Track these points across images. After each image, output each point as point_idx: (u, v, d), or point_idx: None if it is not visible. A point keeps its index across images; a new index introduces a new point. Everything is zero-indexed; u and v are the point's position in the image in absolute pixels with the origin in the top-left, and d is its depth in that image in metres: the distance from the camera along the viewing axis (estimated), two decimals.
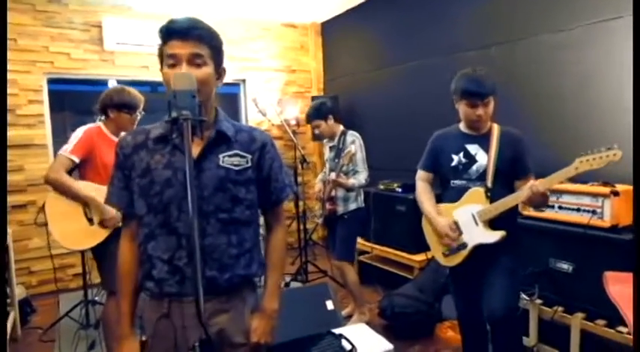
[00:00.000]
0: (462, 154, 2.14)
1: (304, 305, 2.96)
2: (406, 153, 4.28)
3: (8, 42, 4.03)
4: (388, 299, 3.18)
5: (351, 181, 3.13)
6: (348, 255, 3.30)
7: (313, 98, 5.15)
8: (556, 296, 2.54)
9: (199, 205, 1.24)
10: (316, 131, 3.36)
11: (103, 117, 2.57)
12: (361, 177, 3.16)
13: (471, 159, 2.12)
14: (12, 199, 4.03)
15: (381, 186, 4.03)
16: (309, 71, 5.66)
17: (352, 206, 3.24)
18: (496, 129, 2.13)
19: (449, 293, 2.69)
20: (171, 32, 1.20)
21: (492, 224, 2.07)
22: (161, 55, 1.23)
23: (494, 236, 2.05)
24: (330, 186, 3.20)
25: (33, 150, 4.21)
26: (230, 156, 1.30)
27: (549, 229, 2.59)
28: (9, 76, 4.05)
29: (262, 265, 1.39)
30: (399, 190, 3.83)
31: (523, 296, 2.57)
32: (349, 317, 3.40)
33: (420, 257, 3.53)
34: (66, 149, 2.38)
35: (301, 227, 4.61)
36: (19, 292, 3.57)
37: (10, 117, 4.07)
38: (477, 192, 2.08)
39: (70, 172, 2.42)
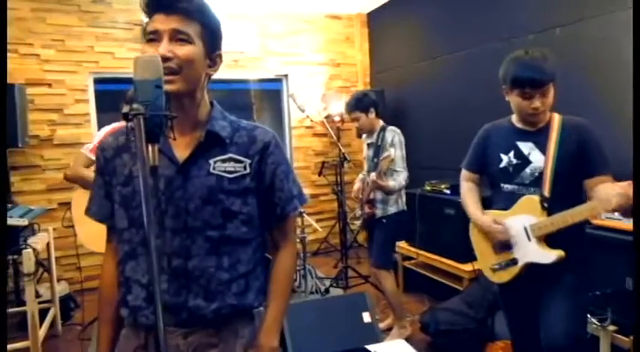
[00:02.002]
0: (512, 154, 1.79)
1: (338, 316, 2.73)
2: (456, 152, 3.89)
3: (55, 43, 4.13)
4: (432, 314, 2.87)
5: (391, 183, 2.84)
6: (385, 262, 3.03)
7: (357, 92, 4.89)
8: (633, 321, 2.12)
9: (184, 220, 1.04)
10: (355, 124, 3.10)
11: None
12: (400, 178, 2.87)
13: (524, 160, 1.77)
14: (59, 196, 4.13)
15: (428, 187, 3.69)
16: (354, 64, 5.40)
17: (392, 209, 2.96)
18: (557, 121, 1.75)
19: None
20: (154, 4, 1.01)
21: (550, 239, 1.71)
22: (144, 33, 1.04)
23: (549, 256, 1.70)
24: (369, 187, 2.93)
25: (79, 149, 4.28)
26: (223, 161, 1.08)
27: (626, 242, 2.17)
28: (58, 76, 4.17)
29: (262, 293, 1.16)
30: (448, 192, 3.49)
31: (592, 320, 2.17)
32: (390, 329, 3.12)
33: (470, 267, 3.17)
34: (87, 147, 2.33)
35: (341, 228, 4.37)
36: (61, 288, 3.63)
37: (58, 117, 4.19)
38: (530, 200, 1.73)
39: None
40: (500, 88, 1.82)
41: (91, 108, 4.36)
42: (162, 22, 1.00)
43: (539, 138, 1.75)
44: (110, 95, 4.66)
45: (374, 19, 5.29)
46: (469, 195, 1.98)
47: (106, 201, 1.13)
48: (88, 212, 1.17)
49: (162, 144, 1.01)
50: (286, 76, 5.14)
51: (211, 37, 1.07)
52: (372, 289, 3.64)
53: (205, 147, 1.07)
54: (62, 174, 4.08)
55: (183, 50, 1.00)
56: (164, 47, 0.98)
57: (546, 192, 1.70)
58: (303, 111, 4.45)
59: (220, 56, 1.12)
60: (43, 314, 3.10)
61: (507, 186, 1.82)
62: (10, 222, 2.59)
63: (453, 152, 4.03)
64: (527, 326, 1.89)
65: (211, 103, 1.15)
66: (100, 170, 1.14)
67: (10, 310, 3.48)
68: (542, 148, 1.73)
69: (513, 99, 1.76)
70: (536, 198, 1.72)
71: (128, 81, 0.87)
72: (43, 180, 4.15)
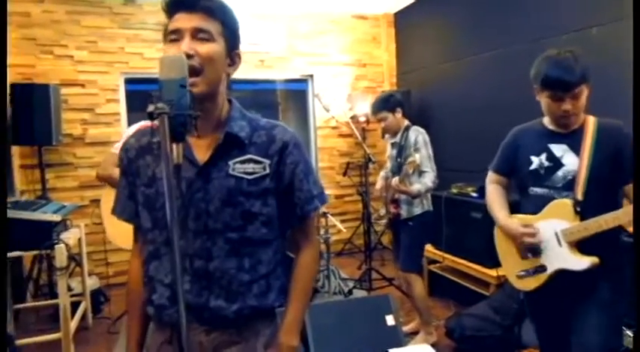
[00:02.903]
0: (543, 156, 1.73)
1: (361, 318, 2.69)
2: (483, 154, 3.79)
3: (88, 45, 4.25)
4: (457, 320, 2.81)
5: (416, 187, 2.78)
6: (413, 265, 2.98)
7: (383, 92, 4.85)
8: None
9: (204, 222, 1.05)
10: (382, 124, 3.05)
11: None
12: (427, 180, 2.81)
13: (556, 163, 1.71)
14: (91, 193, 4.24)
15: (454, 190, 3.63)
16: (380, 65, 5.36)
17: (417, 210, 2.91)
18: (592, 123, 1.68)
19: None
20: (176, 4, 1.02)
21: (582, 245, 1.65)
22: (166, 33, 1.05)
23: (582, 262, 1.63)
24: (392, 190, 2.89)
25: (110, 147, 4.39)
26: (242, 162, 1.08)
27: None
28: (90, 77, 4.28)
29: (283, 293, 1.16)
30: (475, 195, 3.42)
31: (627, 332, 2.08)
32: (414, 333, 3.08)
33: (498, 272, 3.10)
34: (116, 146, 2.38)
35: (365, 229, 4.34)
36: (92, 283, 3.73)
37: (89, 116, 4.31)
38: (562, 204, 1.67)
39: None
40: (529, 89, 1.77)
41: (122, 107, 4.47)
42: (184, 21, 1.01)
43: (573, 141, 1.69)
44: (140, 95, 4.77)
45: (401, 19, 5.23)
46: (495, 197, 1.92)
47: (129, 202, 1.15)
48: (114, 212, 1.19)
49: (183, 146, 1.02)
50: (312, 76, 5.14)
51: (231, 36, 1.08)
52: (396, 292, 3.60)
53: (224, 148, 1.07)
54: (93, 171, 4.21)
55: (205, 48, 1.01)
56: (186, 45, 0.99)
57: (579, 196, 1.64)
58: (328, 111, 4.43)
59: (239, 55, 1.12)
60: (74, 307, 3.19)
61: (537, 190, 1.76)
62: (44, 217, 2.67)
63: (479, 154, 3.94)
64: (557, 335, 1.82)
65: (230, 101, 1.15)
66: (124, 170, 1.16)
67: (44, 302, 3.61)
68: (576, 151, 1.67)
69: (544, 100, 1.71)
70: (568, 202, 1.66)
71: (157, 81, 0.88)
72: (75, 177, 4.27)
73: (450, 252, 3.57)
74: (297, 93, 5.45)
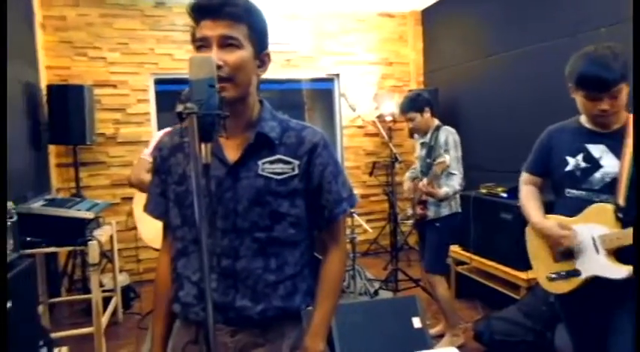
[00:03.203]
0: (580, 157, 1.67)
1: (388, 319, 2.68)
2: (514, 153, 3.72)
3: (120, 46, 4.36)
4: (486, 323, 2.75)
5: (444, 190, 2.73)
6: (438, 267, 2.93)
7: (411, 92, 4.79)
8: None
9: (233, 221, 1.05)
10: (410, 124, 3.01)
11: None
12: (455, 182, 2.75)
13: (594, 164, 1.64)
14: (122, 191, 4.35)
15: (483, 190, 3.55)
16: (407, 63, 5.30)
17: (445, 211, 2.86)
18: (634, 123, 1.61)
19: None
20: (201, 11, 1.02)
21: (620, 253, 1.57)
22: (193, 38, 1.05)
23: (620, 271, 1.56)
24: (420, 191, 2.85)
25: (140, 147, 4.51)
26: (271, 162, 1.08)
27: None
28: (122, 77, 4.40)
29: (309, 295, 1.15)
30: (505, 195, 3.33)
31: None
32: (441, 336, 3.03)
33: (528, 275, 3.01)
34: (145, 153, 2.41)
35: (391, 229, 4.30)
36: (122, 279, 3.82)
37: (121, 116, 4.42)
38: (602, 209, 1.59)
39: None
40: (562, 86, 1.70)
41: (152, 107, 4.56)
42: (210, 29, 1.00)
43: (613, 141, 1.61)
44: (169, 95, 4.86)
45: (428, 16, 5.16)
46: (530, 198, 1.86)
47: (161, 199, 1.16)
48: (146, 209, 1.21)
49: (214, 146, 1.02)
50: (338, 75, 5.13)
51: (259, 38, 1.07)
52: (423, 293, 3.55)
53: (255, 148, 1.08)
54: (125, 170, 4.35)
55: (232, 56, 1.01)
56: (214, 55, 0.98)
57: (621, 201, 1.57)
58: (354, 110, 4.41)
59: (269, 56, 1.12)
60: (106, 302, 3.28)
61: (573, 192, 1.70)
62: (78, 214, 2.76)
63: (509, 154, 3.87)
64: (592, 341, 1.76)
65: (261, 102, 1.15)
66: (157, 168, 1.17)
67: (78, 297, 3.73)
68: (617, 152, 1.60)
69: (579, 99, 1.64)
70: (610, 207, 1.58)
71: (186, 81, 0.89)
72: (107, 175, 4.39)
73: (478, 254, 3.50)
74: (323, 92, 5.44)
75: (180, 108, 0.83)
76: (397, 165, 4.12)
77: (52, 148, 4.07)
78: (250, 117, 1.11)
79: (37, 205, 2.72)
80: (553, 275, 1.75)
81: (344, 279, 3.66)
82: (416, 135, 3.10)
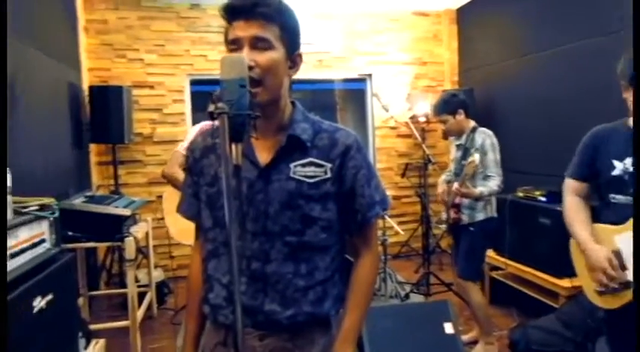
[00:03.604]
0: (628, 161, 1.58)
1: (419, 324, 2.63)
2: (553, 156, 3.63)
3: (157, 48, 4.48)
4: (522, 332, 2.66)
5: (479, 190, 2.66)
6: (472, 274, 2.85)
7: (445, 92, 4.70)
8: None
9: (263, 224, 1.05)
10: (443, 127, 2.95)
11: None
12: (492, 184, 2.68)
13: None
14: (158, 189, 4.44)
15: (520, 194, 3.43)
16: (441, 63, 5.20)
17: (480, 216, 2.78)
18: None
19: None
20: (234, 11, 1.02)
21: None
22: (226, 40, 1.05)
23: None
24: (453, 193, 2.78)
25: (176, 146, 4.60)
26: (303, 165, 1.06)
27: None
28: (158, 78, 4.51)
29: (339, 301, 1.13)
30: (543, 199, 3.22)
31: None
32: (473, 343, 2.95)
33: (568, 283, 2.89)
34: (181, 146, 2.46)
35: (424, 232, 4.22)
36: (156, 275, 3.92)
37: (157, 116, 4.53)
38: None
39: None
40: (602, 87, 1.62)
41: (187, 107, 4.66)
42: (243, 29, 1.00)
43: None
44: (203, 95, 4.95)
45: (463, 15, 5.04)
46: (576, 212, 1.75)
47: (193, 200, 1.17)
48: (179, 210, 1.22)
49: (246, 147, 1.03)
50: (370, 75, 5.09)
51: (291, 39, 1.06)
52: (455, 298, 3.47)
53: (287, 150, 1.07)
54: (160, 169, 4.46)
55: (264, 57, 1.00)
56: (246, 56, 0.98)
57: None
58: (387, 111, 4.36)
59: (300, 56, 1.11)
60: (141, 297, 3.37)
61: (620, 198, 1.61)
62: (116, 211, 2.84)
63: (547, 156, 3.74)
64: None
65: (293, 103, 1.14)
66: (190, 169, 1.18)
67: (115, 291, 3.85)
68: None
69: (630, 98, 1.55)
70: None
71: (219, 82, 0.89)
72: (144, 173, 4.52)
73: (514, 259, 3.39)
74: (355, 92, 5.41)
75: (211, 108, 0.83)
76: (430, 167, 4.04)
77: (92, 147, 4.22)
78: (282, 119, 1.10)
79: (78, 201, 2.83)
80: (602, 289, 1.65)
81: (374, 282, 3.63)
82: (451, 137, 3.04)
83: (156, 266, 4.11)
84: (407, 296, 3.74)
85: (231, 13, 1.02)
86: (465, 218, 2.81)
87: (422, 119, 4.70)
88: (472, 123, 2.88)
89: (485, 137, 2.75)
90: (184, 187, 1.20)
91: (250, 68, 0.96)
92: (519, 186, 3.49)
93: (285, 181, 1.05)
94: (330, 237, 1.10)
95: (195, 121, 4.70)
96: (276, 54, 1.02)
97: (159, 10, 4.46)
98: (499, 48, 4.48)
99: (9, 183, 1.54)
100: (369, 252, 1.17)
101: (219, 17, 1.06)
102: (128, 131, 3.95)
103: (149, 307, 3.55)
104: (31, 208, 1.70)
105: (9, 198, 1.56)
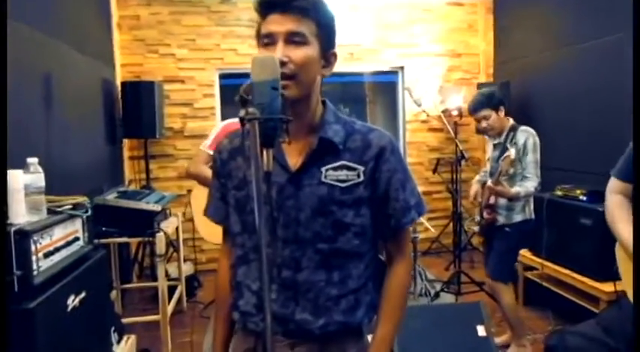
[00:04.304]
0: None
1: (451, 326, 2.57)
2: (595, 153, 3.46)
3: (188, 43, 4.50)
4: (560, 337, 2.53)
5: (515, 189, 2.55)
6: (503, 275, 2.75)
7: (479, 86, 4.54)
8: None
9: (294, 231, 1.01)
10: (483, 124, 2.75)
11: None
12: (529, 185, 2.56)
13: None
14: (188, 184, 4.45)
15: (559, 192, 3.28)
16: (477, 54, 5.03)
17: (517, 217, 2.67)
18: None
19: None
20: (269, 4, 0.98)
21: None
22: (258, 34, 1.01)
23: None
24: (487, 192, 2.68)
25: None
26: (335, 168, 1.02)
27: None
28: (189, 73, 4.54)
29: (372, 309, 1.09)
30: (584, 199, 3.06)
31: None
32: (505, 346, 2.86)
33: (610, 287, 2.74)
34: (205, 144, 2.45)
35: (455, 229, 4.12)
36: (187, 268, 3.98)
37: (188, 110, 4.57)
38: None
39: None
40: None
41: (217, 102, 4.68)
42: (277, 23, 0.97)
43: None
44: (233, 89, 4.92)
45: (500, 4, 4.84)
46: (619, 213, 1.66)
47: (221, 203, 1.14)
48: (206, 213, 1.19)
49: (276, 151, 0.99)
50: (402, 68, 4.97)
51: (326, 35, 1.02)
52: (487, 298, 3.37)
53: (318, 154, 1.03)
54: None
55: (298, 53, 0.96)
56: (280, 51, 0.95)
57: None
58: (419, 105, 4.25)
59: (335, 55, 1.06)
60: (171, 291, 3.42)
61: None
62: (147, 207, 2.88)
63: (588, 154, 3.56)
64: None
65: (324, 103, 1.10)
66: (217, 172, 1.15)
67: (147, 284, 3.93)
68: None
69: None
70: None
71: (249, 75, 0.85)
72: (174, 168, 4.58)
73: (551, 260, 3.25)
74: (386, 85, 5.32)
75: (242, 113, 0.79)
76: (463, 163, 3.92)
77: (125, 141, 4.30)
78: (313, 120, 1.06)
79: (111, 197, 2.88)
80: None
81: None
82: (488, 136, 2.91)
83: (185, 260, 4.18)
84: (437, 294, 3.67)
85: (266, 7, 0.99)
86: (501, 219, 2.71)
87: (454, 113, 4.56)
88: (511, 121, 2.76)
89: (528, 136, 2.62)
90: (212, 190, 1.18)
91: (283, 64, 0.93)
92: (558, 184, 3.34)
93: (317, 186, 1.01)
94: (363, 243, 1.06)
95: (224, 116, 4.73)
96: (311, 50, 0.98)
97: (190, 5, 4.48)
98: (537, 39, 4.28)
99: (42, 183, 1.56)
100: (402, 259, 1.13)
101: (249, 11, 1.04)
102: (160, 126, 3.99)
103: (179, 301, 3.60)
104: (65, 207, 1.73)
105: (42, 197, 1.58)
